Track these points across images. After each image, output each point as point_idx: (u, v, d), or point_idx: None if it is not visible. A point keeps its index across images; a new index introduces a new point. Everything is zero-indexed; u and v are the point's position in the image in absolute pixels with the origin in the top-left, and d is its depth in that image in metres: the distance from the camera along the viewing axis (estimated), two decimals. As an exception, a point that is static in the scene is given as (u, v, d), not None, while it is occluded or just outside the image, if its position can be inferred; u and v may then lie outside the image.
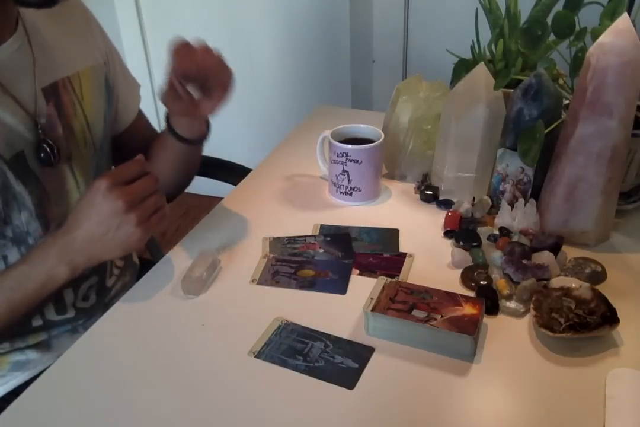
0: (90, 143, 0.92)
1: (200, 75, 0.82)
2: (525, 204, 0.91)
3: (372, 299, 0.76)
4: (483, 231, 0.92)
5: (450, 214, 0.95)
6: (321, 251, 0.92)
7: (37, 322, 0.89)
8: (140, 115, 1.08)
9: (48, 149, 0.83)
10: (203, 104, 0.86)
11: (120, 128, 1.04)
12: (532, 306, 0.77)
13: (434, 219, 0.98)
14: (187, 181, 1.10)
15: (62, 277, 0.76)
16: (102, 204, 0.73)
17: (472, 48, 1.06)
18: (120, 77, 1.01)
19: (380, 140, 1.00)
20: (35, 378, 0.72)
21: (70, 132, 0.88)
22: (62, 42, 0.89)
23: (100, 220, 0.74)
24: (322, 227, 0.97)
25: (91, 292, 0.95)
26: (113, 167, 1.02)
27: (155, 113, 1.98)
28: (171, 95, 0.86)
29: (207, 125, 0.99)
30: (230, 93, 0.86)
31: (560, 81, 0.97)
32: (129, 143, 1.05)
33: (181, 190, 1.11)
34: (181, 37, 0.82)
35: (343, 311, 0.80)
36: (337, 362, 0.72)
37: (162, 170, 1.03)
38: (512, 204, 0.93)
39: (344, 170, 1.00)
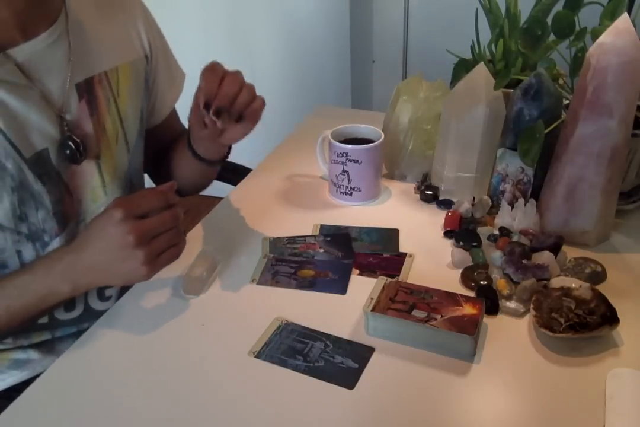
0: (123, 141, 0.90)
1: (229, 107, 0.79)
2: (525, 204, 0.91)
3: (372, 299, 0.76)
4: (483, 231, 0.92)
5: (450, 214, 0.95)
6: (321, 250, 0.92)
7: (42, 319, 0.88)
8: (173, 111, 1.06)
9: (73, 146, 0.81)
10: (228, 133, 0.84)
11: (154, 122, 1.02)
12: (532, 306, 0.77)
13: (434, 219, 0.98)
14: (202, 187, 1.10)
15: (63, 294, 0.75)
16: (112, 234, 0.71)
17: (472, 48, 1.06)
18: (162, 70, 0.98)
19: (380, 140, 1.00)
20: (33, 378, 0.72)
21: (101, 129, 0.86)
22: (104, 34, 0.87)
23: (107, 249, 0.72)
24: (322, 227, 0.97)
25: (112, 291, 0.94)
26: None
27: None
28: (197, 119, 0.83)
29: (228, 148, 0.97)
30: (257, 123, 0.83)
31: (560, 81, 0.97)
32: (158, 139, 1.03)
33: (195, 193, 1.11)
34: (215, 62, 0.79)
35: (343, 311, 0.80)
36: (337, 362, 0.72)
37: (176, 174, 1.03)
38: (512, 204, 0.93)
39: (344, 170, 1.00)
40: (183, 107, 0.93)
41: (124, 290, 0.95)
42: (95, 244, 0.73)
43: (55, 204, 0.82)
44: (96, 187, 0.87)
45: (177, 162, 1.02)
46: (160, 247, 0.72)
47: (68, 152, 0.81)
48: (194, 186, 1.08)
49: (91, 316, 0.93)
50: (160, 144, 1.04)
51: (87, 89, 0.84)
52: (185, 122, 0.93)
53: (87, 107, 0.84)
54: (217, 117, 0.78)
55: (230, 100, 0.78)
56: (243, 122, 0.81)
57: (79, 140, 0.82)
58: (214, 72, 0.78)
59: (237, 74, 0.79)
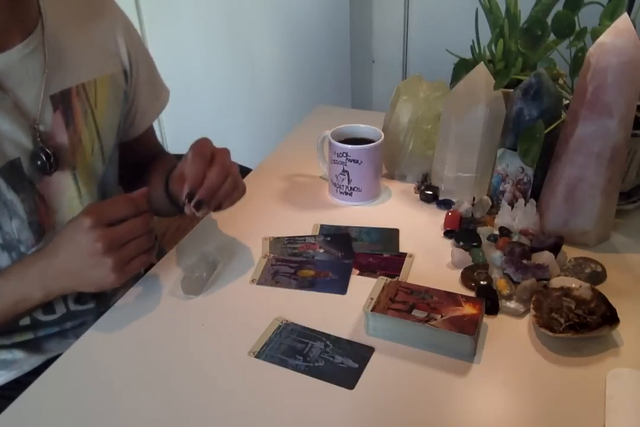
0: (99, 152, 0.90)
1: (210, 199, 0.81)
2: (525, 204, 0.91)
3: (372, 299, 0.76)
4: (483, 231, 0.92)
5: (450, 214, 0.95)
6: (321, 251, 0.92)
7: (24, 321, 0.88)
8: (151, 127, 1.05)
9: (44, 157, 0.81)
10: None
11: (133, 135, 1.01)
12: (532, 306, 0.77)
13: (434, 219, 0.98)
14: (172, 216, 1.08)
15: (35, 300, 0.76)
16: (81, 242, 0.72)
17: (472, 48, 1.06)
18: (144, 85, 0.98)
19: (380, 140, 1.00)
20: (21, 378, 0.72)
21: (77, 140, 0.86)
22: (82, 47, 0.86)
23: (76, 256, 0.73)
24: (322, 227, 0.97)
25: (88, 296, 0.93)
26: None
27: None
28: (177, 193, 0.84)
29: None
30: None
31: (560, 81, 0.97)
32: (134, 151, 1.03)
33: (164, 216, 1.10)
34: (203, 142, 0.81)
35: (343, 311, 0.80)
36: (337, 362, 0.72)
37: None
38: (512, 204, 0.93)
39: (344, 170, 1.00)
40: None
41: (101, 294, 0.94)
42: (65, 250, 0.74)
43: (30, 214, 0.82)
44: (72, 198, 0.87)
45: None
46: (130, 255, 0.74)
47: (39, 162, 0.81)
48: (162, 213, 1.05)
49: (73, 317, 0.92)
50: (136, 158, 1.04)
51: (62, 101, 0.83)
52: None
53: (63, 118, 0.84)
54: (197, 209, 0.80)
55: (213, 193, 0.80)
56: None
57: (50, 152, 0.82)
58: (201, 158, 0.80)
59: (224, 161, 0.81)
